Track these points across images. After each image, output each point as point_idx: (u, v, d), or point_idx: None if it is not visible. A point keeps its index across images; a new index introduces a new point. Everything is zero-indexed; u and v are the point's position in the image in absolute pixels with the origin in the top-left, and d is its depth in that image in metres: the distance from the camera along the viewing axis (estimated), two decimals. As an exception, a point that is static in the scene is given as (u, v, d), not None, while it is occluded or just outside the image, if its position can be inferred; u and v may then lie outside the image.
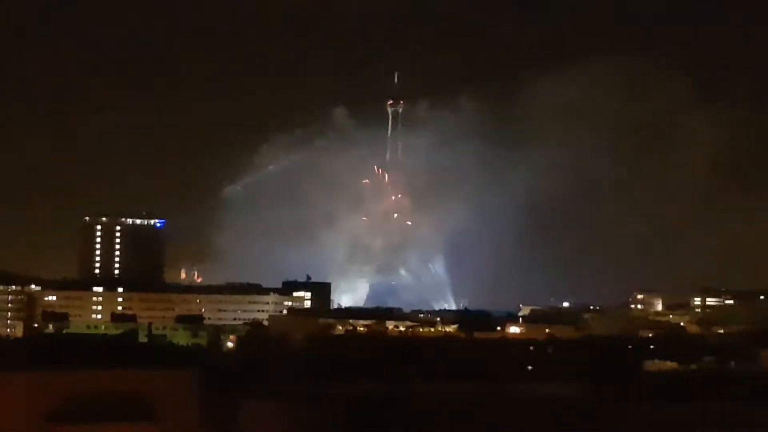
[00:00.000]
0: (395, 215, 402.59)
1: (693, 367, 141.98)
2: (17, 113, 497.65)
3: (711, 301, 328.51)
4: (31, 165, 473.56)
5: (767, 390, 75.20)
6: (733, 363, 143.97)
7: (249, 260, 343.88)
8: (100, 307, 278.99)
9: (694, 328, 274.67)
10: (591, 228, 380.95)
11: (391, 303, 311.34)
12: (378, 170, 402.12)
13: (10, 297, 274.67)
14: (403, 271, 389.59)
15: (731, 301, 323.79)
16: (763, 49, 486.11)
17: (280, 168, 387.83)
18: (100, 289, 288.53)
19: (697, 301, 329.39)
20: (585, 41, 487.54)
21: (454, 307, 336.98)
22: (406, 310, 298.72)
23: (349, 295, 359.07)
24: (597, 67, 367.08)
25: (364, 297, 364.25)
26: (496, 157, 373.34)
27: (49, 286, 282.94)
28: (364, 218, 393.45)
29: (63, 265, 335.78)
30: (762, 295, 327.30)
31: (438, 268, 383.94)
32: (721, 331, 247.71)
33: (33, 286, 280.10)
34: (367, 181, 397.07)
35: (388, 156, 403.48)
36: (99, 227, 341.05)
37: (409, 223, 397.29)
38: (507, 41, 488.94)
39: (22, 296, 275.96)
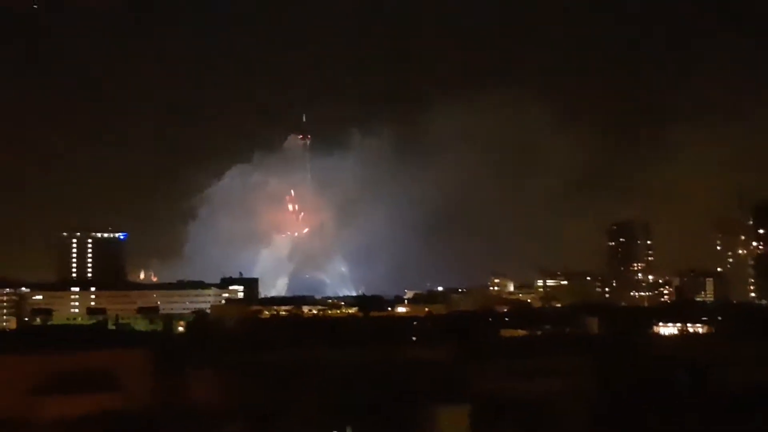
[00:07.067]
0: (306, 230, 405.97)
1: (538, 333, 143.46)
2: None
3: (550, 282, 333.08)
4: (17, 185, 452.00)
5: (591, 346, 76.97)
6: (567, 329, 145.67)
7: (195, 262, 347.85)
8: (77, 303, 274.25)
9: (537, 304, 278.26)
10: (465, 229, 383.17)
11: (306, 294, 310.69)
12: (291, 196, 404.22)
13: (5, 297, 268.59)
14: (317, 270, 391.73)
15: (565, 282, 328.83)
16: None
17: (227, 187, 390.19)
18: (76, 289, 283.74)
19: (540, 282, 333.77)
20: (467, 76, 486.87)
21: (354, 293, 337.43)
22: (318, 297, 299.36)
23: (273, 288, 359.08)
24: (482, 100, 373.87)
25: (285, 290, 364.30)
26: (396, 177, 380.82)
27: (35, 287, 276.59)
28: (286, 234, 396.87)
29: (45, 271, 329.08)
30: (588, 276, 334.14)
31: (343, 267, 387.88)
32: (558, 305, 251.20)
33: (23, 289, 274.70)
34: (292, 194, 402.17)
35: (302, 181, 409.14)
36: (74, 240, 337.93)
37: (320, 238, 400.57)
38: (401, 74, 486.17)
39: (15, 297, 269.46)
